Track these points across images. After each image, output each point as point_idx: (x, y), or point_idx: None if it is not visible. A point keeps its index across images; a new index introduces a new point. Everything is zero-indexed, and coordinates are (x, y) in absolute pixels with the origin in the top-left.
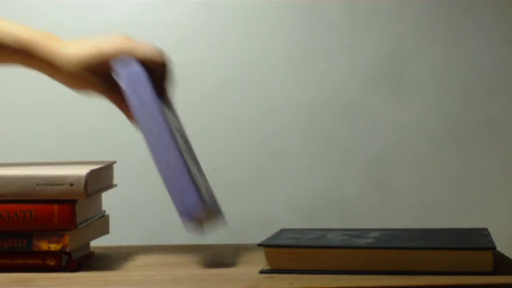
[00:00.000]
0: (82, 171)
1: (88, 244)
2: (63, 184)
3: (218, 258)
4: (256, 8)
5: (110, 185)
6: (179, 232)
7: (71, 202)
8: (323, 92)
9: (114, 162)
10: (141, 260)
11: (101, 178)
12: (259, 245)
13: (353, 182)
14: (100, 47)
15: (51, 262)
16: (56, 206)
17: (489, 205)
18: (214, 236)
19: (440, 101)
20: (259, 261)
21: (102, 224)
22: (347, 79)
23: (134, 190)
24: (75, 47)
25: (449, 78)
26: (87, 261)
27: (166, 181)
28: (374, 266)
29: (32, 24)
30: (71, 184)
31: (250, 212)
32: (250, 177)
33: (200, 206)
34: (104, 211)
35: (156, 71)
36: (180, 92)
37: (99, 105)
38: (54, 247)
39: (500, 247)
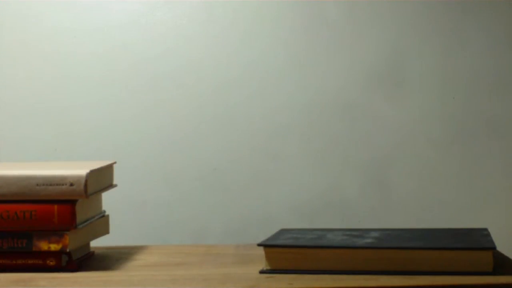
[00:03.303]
0: (82, 171)
1: (88, 244)
2: (63, 184)
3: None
4: (256, 9)
5: (110, 185)
6: (179, 232)
7: (71, 202)
8: (323, 92)
9: (114, 162)
10: (141, 260)
11: (101, 178)
12: (259, 245)
13: (353, 182)
14: None
15: (51, 262)
16: (56, 206)
17: (489, 205)
18: (214, 236)
19: (440, 101)
20: (259, 261)
21: (102, 224)
22: (348, 79)
23: (134, 190)
24: None
25: (449, 78)
26: (87, 261)
27: None
28: (374, 266)
29: (32, 24)
30: (71, 184)
31: (250, 212)
32: (250, 177)
33: None
34: (104, 211)
35: None
36: (181, 92)
37: (99, 106)
38: (54, 247)
39: (500, 247)
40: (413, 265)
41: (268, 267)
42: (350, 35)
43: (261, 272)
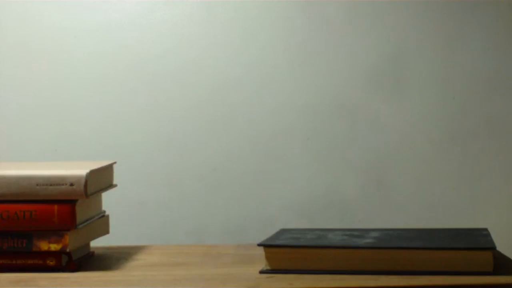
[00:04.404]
0: (82, 171)
1: (88, 244)
2: (63, 184)
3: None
4: (256, 9)
5: (110, 185)
6: (179, 232)
7: (71, 202)
8: (323, 93)
9: (114, 162)
10: (141, 260)
11: (101, 178)
12: (259, 245)
13: (353, 182)
14: None
15: (51, 262)
16: (56, 206)
17: (489, 205)
18: (214, 236)
19: (440, 101)
20: (259, 261)
21: (102, 224)
22: (347, 80)
23: (134, 190)
24: None
25: (449, 78)
26: (87, 261)
27: None
28: (374, 266)
29: (32, 24)
30: (71, 184)
31: (250, 212)
32: (250, 177)
33: None
34: (104, 211)
35: None
36: (180, 92)
37: (99, 106)
38: (54, 247)
39: (500, 247)
40: (413, 265)
41: (268, 267)
42: (350, 35)
43: (261, 272)
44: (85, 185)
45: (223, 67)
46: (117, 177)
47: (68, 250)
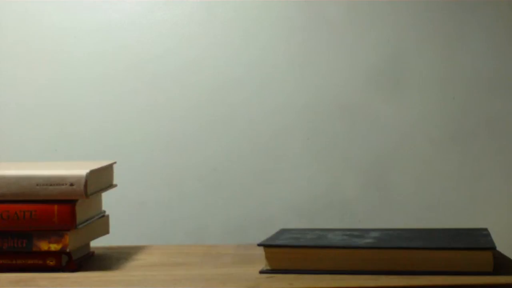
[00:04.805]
0: (82, 171)
1: (88, 244)
2: (63, 184)
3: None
4: (256, 9)
5: (110, 185)
6: (179, 232)
7: (71, 202)
8: (323, 93)
9: (114, 162)
10: (141, 260)
11: (101, 178)
12: (259, 245)
13: (353, 182)
14: None
15: (51, 262)
16: (56, 206)
17: (489, 205)
18: (214, 236)
19: (440, 101)
20: (259, 261)
21: (102, 224)
22: (347, 80)
23: (134, 190)
24: None
25: (449, 78)
26: (87, 261)
27: None
28: (374, 266)
29: (32, 24)
30: (71, 184)
31: (250, 212)
32: (250, 177)
33: None
34: (104, 211)
35: None
36: (180, 92)
37: (99, 106)
38: (54, 247)
39: (500, 247)
40: (413, 265)
41: (268, 267)
42: (350, 35)
43: (261, 272)
44: (85, 185)
45: (223, 67)
46: (117, 177)
47: (68, 250)
